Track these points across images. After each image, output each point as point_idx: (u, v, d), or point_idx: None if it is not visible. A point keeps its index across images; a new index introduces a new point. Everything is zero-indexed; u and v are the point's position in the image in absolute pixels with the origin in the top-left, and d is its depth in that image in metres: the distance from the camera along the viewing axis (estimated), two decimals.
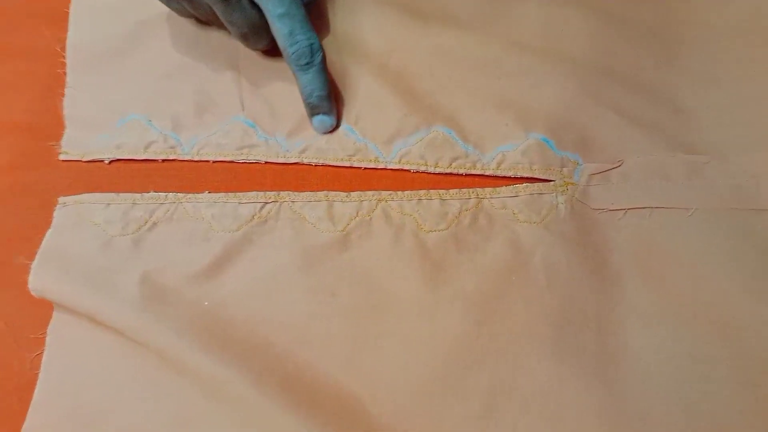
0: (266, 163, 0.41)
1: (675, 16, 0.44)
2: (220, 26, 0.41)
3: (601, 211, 0.40)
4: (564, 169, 0.41)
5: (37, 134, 0.42)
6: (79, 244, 0.39)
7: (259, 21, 0.39)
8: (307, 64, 0.39)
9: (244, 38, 0.40)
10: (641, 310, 0.38)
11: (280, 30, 0.38)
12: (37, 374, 0.37)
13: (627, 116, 0.41)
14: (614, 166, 0.41)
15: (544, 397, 0.36)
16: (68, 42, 0.43)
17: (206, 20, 0.42)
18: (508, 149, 0.41)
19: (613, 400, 0.36)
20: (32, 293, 0.37)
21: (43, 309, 0.38)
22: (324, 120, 0.41)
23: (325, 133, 0.42)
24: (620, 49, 0.43)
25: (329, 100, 0.41)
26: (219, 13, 0.38)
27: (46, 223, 0.40)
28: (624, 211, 0.40)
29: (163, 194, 0.41)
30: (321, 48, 0.39)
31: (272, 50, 0.42)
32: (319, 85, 0.40)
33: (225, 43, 0.43)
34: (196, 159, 0.41)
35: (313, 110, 0.41)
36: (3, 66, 0.44)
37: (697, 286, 0.38)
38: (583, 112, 0.42)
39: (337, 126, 0.42)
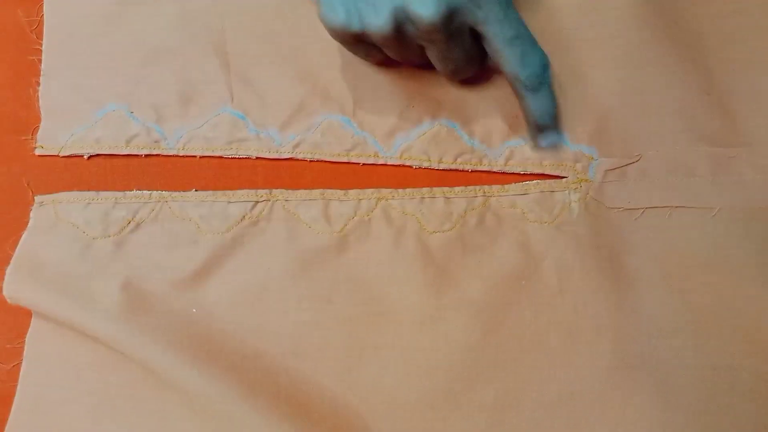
0: (257, 158, 0.39)
1: None
2: (419, 64, 0.37)
3: (617, 210, 0.37)
4: (578, 164, 0.38)
5: (9, 127, 0.39)
6: (57, 248, 0.37)
7: (476, 51, 0.35)
8: (540, 84, 0.35)
9: (454, 73, 0.36)
10: (660, 318, 0.35)
11: (510, 55, 0.34)
12: (14, 386, 0.35)
13: (648, 101, 0.38)
14: (632, 161, 0.37)
15: (555, 411, 0.35)
16: (45, 24, 0.40)
17: (402, 60, 0.36)
18: (517, 144, 0.38)
19: (630, 414, 0.34)
20: (7, 300, 0.35)
21: (21, 317, 0.36)
22: (554, 138, 0.38)
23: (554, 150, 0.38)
24: (644, 27, 0.38)
25: (558, 116, 0.38)
26: (436, 52, 0.34)
27: (21, 224, 0.37)
28: (642, 210, 0.37)
29: (147, 192, 0.38)
30: (549, 62, 0.36)
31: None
32: (551, 103, 0.36)
33: (211, 25, 0.40)
34: (181, 154, 0.39)
35: (541, 130, 0.37)
36: None
37: (721, 292, 0.35)
38: (600, 99, 0.38)
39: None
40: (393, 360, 0.36)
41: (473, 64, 0.36)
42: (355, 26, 0.32)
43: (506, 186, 0.38)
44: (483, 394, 0.35)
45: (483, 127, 0.38)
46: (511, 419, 0.35)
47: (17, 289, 0.35)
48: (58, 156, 0.39)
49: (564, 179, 0.38)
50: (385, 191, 0.38)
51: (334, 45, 0.39)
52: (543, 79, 0.35)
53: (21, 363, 0.35)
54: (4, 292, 0.35)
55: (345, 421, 0.35)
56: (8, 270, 0.35)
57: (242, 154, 0.38)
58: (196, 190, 0.38)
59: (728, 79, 0.38)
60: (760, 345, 0.34)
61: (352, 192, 0.38)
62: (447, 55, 0.34)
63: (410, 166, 0.38)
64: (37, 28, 0.40)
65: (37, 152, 0.39)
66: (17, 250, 0.36)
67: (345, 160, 0.38)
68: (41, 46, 0.40)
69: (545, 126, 0.37)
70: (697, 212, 0.36)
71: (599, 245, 0.37)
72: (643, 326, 0.35)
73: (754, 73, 0.38)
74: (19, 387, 0.35)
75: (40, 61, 0.40)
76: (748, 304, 0.35)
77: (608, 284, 0.36)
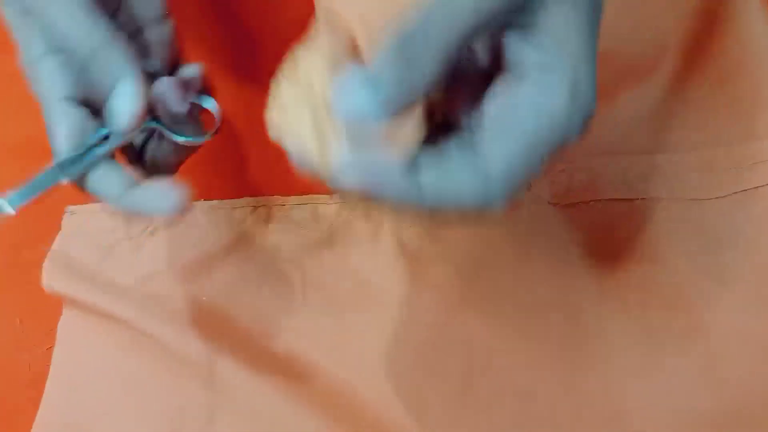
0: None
1: None
2: None
3: (559, 205, 0.43)
4: None
5: (42, 151, 0.45)
6: (86, 247, 0.43)
7: None
8: None
9: None
10: (594, 292, 0.41)
11: None
12: (48, 367, 0.40)
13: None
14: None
15: (514, 375, 0.39)
16: None
17: None
18: None
19: (578, 377, 0.39)
20: (45, 290, 0.41)
21: (54, 307, 0.42)
22: None
23: None
24: None
25: None
26: None
27: (54, 229, 0.44)
28: (580, 204, 0.43)
29: None
30: None
31: None
32: None
33: None
34: None
35: None
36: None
37: (642, 262, 0.41)
38: None
39: None
40: (376, 337, 0.41)
41: None
42: None
43: None
44: (452, 364, 0.40)
45: None
46: (479, 381, 0.39)
47: (53, 280, 0.41)
48: None
49: None
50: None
51: None
52: None
53: (54, 346, 0.41)
54: (43, 282, 0.41)
55: (336, 388, 0.39)
56: (45, 264, 0.42)
57: None
58: (204, 200, 0.45)
59: None
60: (677, 301, 0.40)
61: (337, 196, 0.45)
62: None
63: None
64: None
65: None
66: (52, 247, 0.43)
67: None
68: None
69: None
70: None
71: (547, 235, 0.43)
72: (587, 299, 0.41)
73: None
74: (52, 367, 0.40)
75: None
76: (667, 274, 0.40)
77: (558, 267, 0.42)
